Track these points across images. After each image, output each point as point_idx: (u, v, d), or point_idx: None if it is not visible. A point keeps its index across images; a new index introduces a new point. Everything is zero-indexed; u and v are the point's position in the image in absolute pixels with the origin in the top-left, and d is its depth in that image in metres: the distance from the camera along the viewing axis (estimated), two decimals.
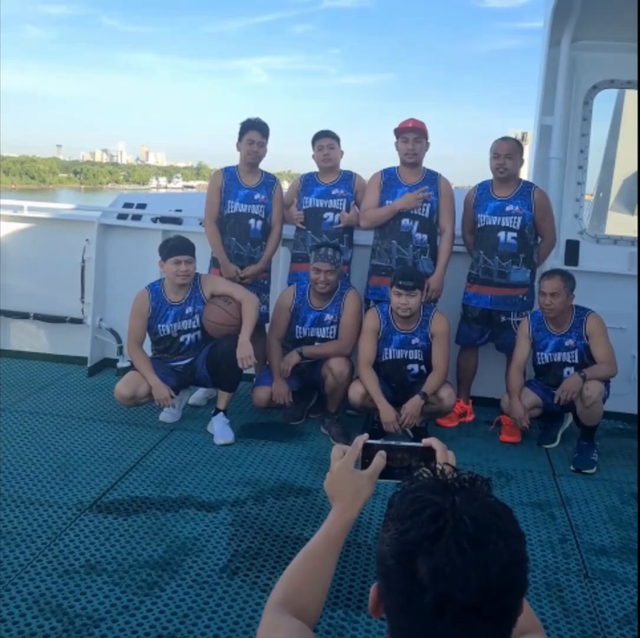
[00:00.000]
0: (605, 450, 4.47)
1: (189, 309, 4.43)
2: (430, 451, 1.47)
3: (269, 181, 4.86)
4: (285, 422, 4.69)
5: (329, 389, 4.42)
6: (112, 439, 4.28)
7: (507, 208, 4.54)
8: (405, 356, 4.35)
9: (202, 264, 4.67)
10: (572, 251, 5.05)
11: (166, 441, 4.30)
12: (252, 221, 4.79)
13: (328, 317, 4.49)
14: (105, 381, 5.33)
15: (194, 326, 4.45)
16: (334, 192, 4.87)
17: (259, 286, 4.88)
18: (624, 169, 6.29)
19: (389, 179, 4.74)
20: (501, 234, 4.54)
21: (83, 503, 3.47)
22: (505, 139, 4.58)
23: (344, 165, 4.98)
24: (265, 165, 4.92)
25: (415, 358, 4.35)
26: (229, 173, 4.82)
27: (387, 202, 4.69)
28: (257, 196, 4.79)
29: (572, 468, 4.21)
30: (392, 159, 4.79)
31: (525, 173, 5.19)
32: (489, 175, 4.66)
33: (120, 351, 5.48)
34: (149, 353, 4.57)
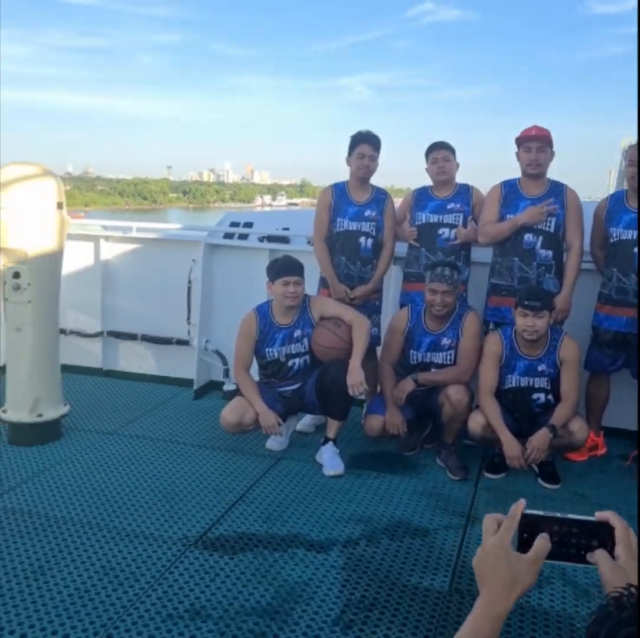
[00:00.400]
0: None
1: (297, 333, 4.23)
2: (607, 528, 1.16)
3: (380, 197, 4.61)
4: (398, 452, 4.40)
5: (446, 419, 4.10)
6: (217, 467, 4.12)
7: None
8: (531, 384, 3.97)
9: (310, 285, 4.46)
10: None
11: (273, 472, 4.10)
12: (362, 239, 4.55)
13: (445, 341, 4.18)
14: (211, 405, 5.21)
15: (303, 350, 4.25)
16: (449, 206, 4.57)
17: (370, 307, 4.63)
18: None
19: (509, 192, 4.39)
20: (637, 250, 4.10)
21: (188, 538, 3.30)
22: None
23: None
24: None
25: (542, 386, 3.97)
26: (339, 189, 4.61)
27: (507, 216, 4.34)
28: (367, 213, 4.56)
29: None
30: (483, 174, 4.45)
31: None
32: (600, 188, 4.23)
33: (226, 373, 5.35)
34: (256, 377, 4.40)
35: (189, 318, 5.47)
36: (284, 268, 4.14)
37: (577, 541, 1.17)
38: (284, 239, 5.43)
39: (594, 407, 4.46)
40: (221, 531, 3.38)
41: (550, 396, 3.99)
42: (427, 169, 4.65)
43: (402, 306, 4.67)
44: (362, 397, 4.42)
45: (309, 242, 5.23)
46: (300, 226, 5.41)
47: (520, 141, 4.31)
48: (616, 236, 4.19)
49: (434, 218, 4.57)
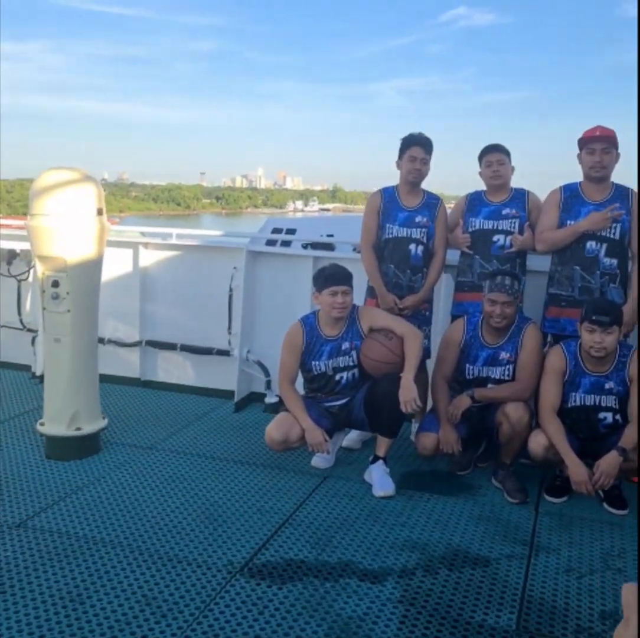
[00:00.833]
0: None
1: (345, 345, 4.02)
2: None
3: (432, 202, 4.39)
4: (450, 472, 4.17)
5: (504, 438, 3.86)
6: (262, 486, 3.93)
7: None
8: (597, 402, 3.71)
9: (357, 294, 4.25)
10: None
11: (320, 491, 3.89)
12: (412, 246, 4.34)
13: (504, 355, 3.93)
14: (253, 418, 5.03)
15: (351, 364, 4.04)
16: (504, 212, 4.33)
17: (420, 318, 4.41)
18: None
19: (570, 197, 4.14)
20: None
21: (234, 564, 3.11)
22: None
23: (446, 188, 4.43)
24: None
25: (609, 405, 3.71)
26: (388, 194, 4.40)
27: (568, 222, 4.09)
28: (418, 219, 4.34)
29: None
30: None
31: None
32: None
33: (269, 385, 5.16)
34: (301, 391, 4.20)
35: (230, 328, 5.30)
36: (332, 277, 3.93)
37: None
38: (329, 246, 5.25)
39: None
40: (268, 557, 3.18)
41: (618, 416, 3.72)
42: (480, 173, 4.42)
43: (454, 317, 4.44)
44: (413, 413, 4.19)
45: (355, 249, 5.03)
46: (345, 233, 5.23)
47: (583, 142, 4.06)
48: None
49: (488, 224, 4.34)
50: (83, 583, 2.91)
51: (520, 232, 4.29)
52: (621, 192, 4.11)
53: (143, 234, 5.88)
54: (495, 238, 4.31)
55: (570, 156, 4.23)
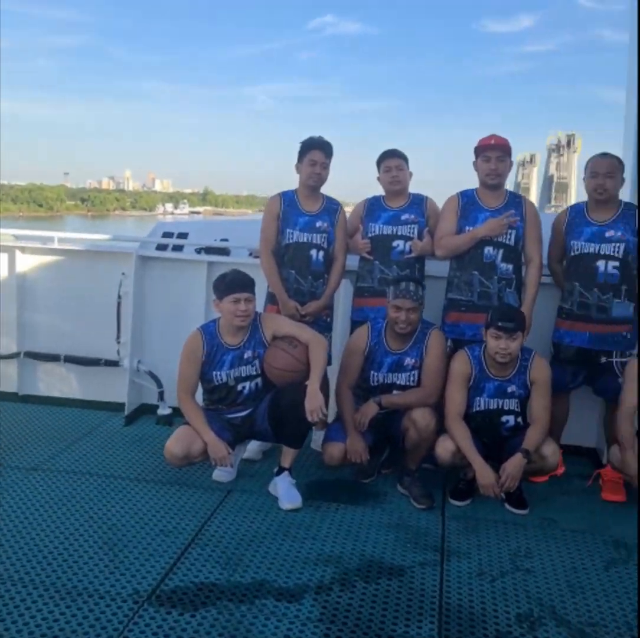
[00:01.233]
0: None
1: (248, 354, 3.88)
2: None
3: (332, 207, 4.34)
4: (355, 480, 4.11)
5: (410, 444, 3.85)
6: (162, 505, 3.71)
7: (607, 234, 3.99)
8: (500, 406, 3.78)
9: (256, 301, 4.12)
10: None
11: (225, 507, 3.72)
12: (313, 252, 4.26)
13: (408, 361, 3.93)
14: (146, 431, 4.78)
15: (254, 373, 3.90)
16: (403, 217, 4.34)
17: (321, 324, 4.34)
18: None
19: (467, 203, 4.20)
20: (600, 264, 3.99)
21: (140, 592, 2.89)
22: (605, 155, 4.03)
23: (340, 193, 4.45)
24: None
25: (512, 408, 3.78)
26: (288, 198, 4.30)
27: (466, 228, 4.15)
28: (319, 224, 4.27)
29: None
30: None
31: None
32: None
33: (162, 396, 4.93)
34: (201, 403, 4.02)
35: (118, 337, 5.01)
36: (234, 284, 3.79)
37: None
38: (224, 251, 5.06)
39: (554, 426, 4.28)
40: (177, 583, 2.99)
41: (519, 419, 3.81)
42: (379, 178, 4.41)
43: (354, 322, 4.42)
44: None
45: (251, 254, 4.89)
46: (241, 237, 5.07)
47: (479, 151, 4.14)
48: (577, 250, 4.07)
49: (387, 230, 4.34)
50: None
51: (420, 237, 4.31)
52: (515, 199, 4.23)
53: (16, 237, 5.46)
54: (394, 243, 4.32)
55: (439, 164, 4.29)
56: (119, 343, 5.02)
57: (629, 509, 3.91)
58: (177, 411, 4.52)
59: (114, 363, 5.05)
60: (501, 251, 4.11)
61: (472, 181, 4.28)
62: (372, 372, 3.96)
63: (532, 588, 3.08)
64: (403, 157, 4.37)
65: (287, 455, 3.87)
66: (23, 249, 5.19)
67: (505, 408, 3.78)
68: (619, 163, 4.01)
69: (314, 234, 4.25)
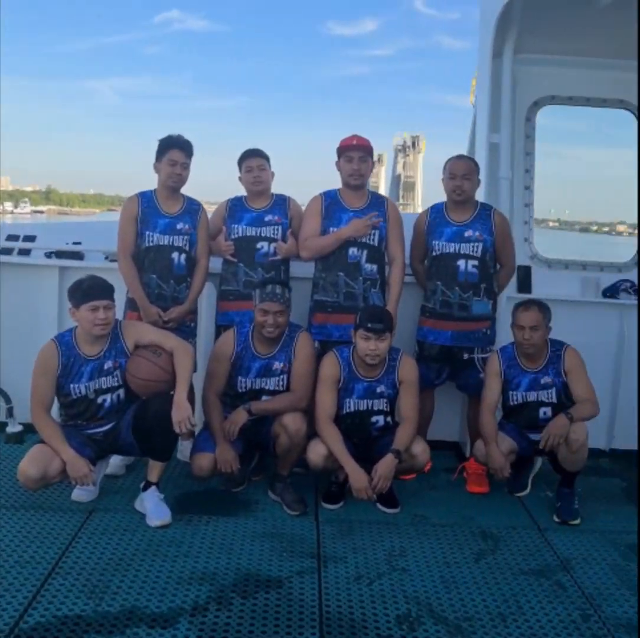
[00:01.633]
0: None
1: (108, 364, 3.65)
2: None
3: (194, 207, 4.18)
4: (225, 489, 3.99)
5: (282, 450, 3.77)
6: (17, 532, 3.41)
7: (466, 234, 4.11)
8: (370, 406, 3.78)
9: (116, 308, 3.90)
10: (525, 277, 4.71)
11: (87, 529, 3.48)
12: (175, 255, 4.09)
13: (277, 365, 3.85)
14: None
15: (116, 384, 3.68)
16: (267, 218, 4.26)
17: (185, 330, 4.17)
18: None
19: (331, 204, 4.19)
20: (461, 263, 4.10)
21: None
22: (461, 157, 4.15)
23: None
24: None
25: (381, 408, 3.80)
26: (146, 199, 4.10)
27: (331, 229, 4.14)
28: (179, 226, 4.10)
29: (556, 519, 3.81)
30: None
31: None
32: None
33: (11, 412, 4.56)
34: (57, 419, 3.75)
35: None
36: (91, 291, 3.54)
37: None
38: (77, 255, 4.75)
39: (420, 422, 4.39)
40: (38, 618, 2.75)
41: (389, 418, 3.84)
42: (240, 178, 4.31)
43: (219, 327, 4.29)
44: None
45: (107, 258, 4.63)
46: (95, 240, 4.78)
47: (341, 151, 4.13)
48: (439, 249, 4.16)
49: (251, 231, 4.24)
50: None
51: (284, 239, 4.25)
52: (377, 199, 4.26)
53: None
54: (259, 245, 4.23)
55: (287, 164, 4.28)
56: None
57: (492, 500, 4.06)
58: (28, 428, 4.21)
59: None
60: (365, 252, 4.12)
61: (330, 181, 4.28)
62: (239, 378, 3.85)
63: (408, 587, 3.10)
64: (265, 157, 4.29)
65: (154, 469, 3.68)
66: None
67: (375, 408, 3.80)
68: (475, 165, 4.14)
69: (175, 237, 4.08)
